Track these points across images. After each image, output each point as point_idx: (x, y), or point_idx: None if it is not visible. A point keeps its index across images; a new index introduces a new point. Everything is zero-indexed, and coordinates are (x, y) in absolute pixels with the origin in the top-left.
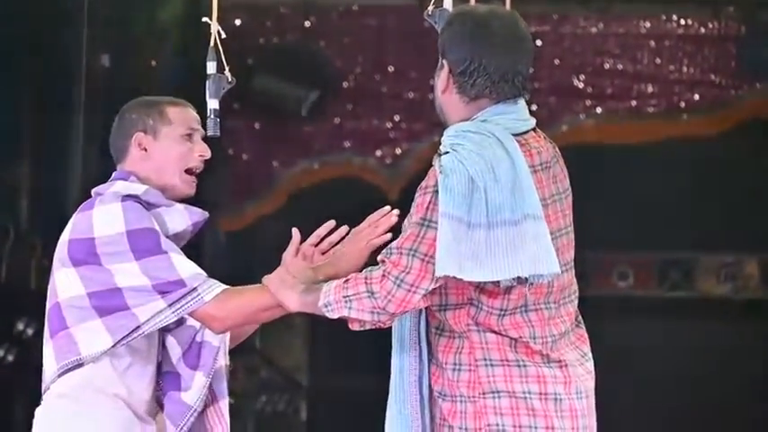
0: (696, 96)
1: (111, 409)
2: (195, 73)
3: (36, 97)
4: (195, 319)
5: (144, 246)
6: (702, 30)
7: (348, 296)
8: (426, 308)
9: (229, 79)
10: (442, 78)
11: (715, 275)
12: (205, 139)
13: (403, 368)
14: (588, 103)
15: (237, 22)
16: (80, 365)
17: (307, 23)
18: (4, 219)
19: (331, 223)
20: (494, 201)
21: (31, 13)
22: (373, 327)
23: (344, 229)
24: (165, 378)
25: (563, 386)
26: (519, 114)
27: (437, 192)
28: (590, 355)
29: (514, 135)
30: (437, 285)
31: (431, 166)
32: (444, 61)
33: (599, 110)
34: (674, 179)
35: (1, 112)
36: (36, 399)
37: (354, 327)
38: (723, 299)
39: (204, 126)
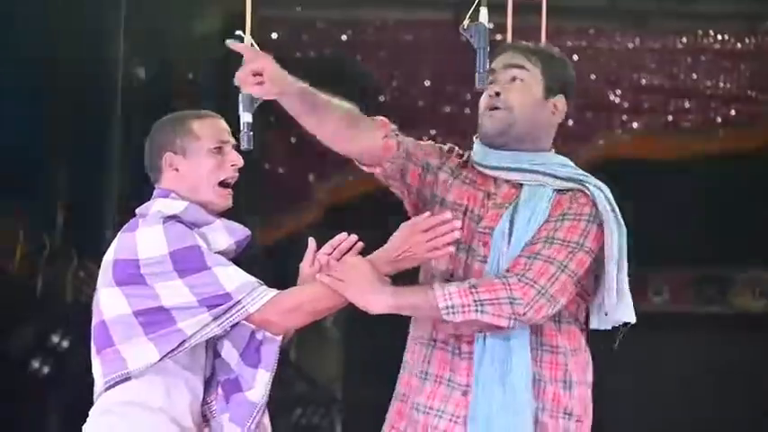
0: (732, 111)
1: (156, 423)
2: (232, 86)
3: (73, 110)
4: (255, 325)
5: (188, 264)
6: (739, 45)
7: (481, 300)
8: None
9: None
10: (558, 107)
11: (750, 291)
12: (237, 148)
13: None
14: (624, 117)
15: (274, 35)
16: (127, 379)
17: (343, 37)
18: (40, 232)
19: (343, 235)
20: (625, 245)
21: (70, 28)
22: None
23: (355, 237)
24: (224, 386)
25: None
26: None
27: (592, 222)
28: None
29: None
30: (564, 303)
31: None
32: (562, 96)
33: (635, 125)
34: (711, 194)
35: (39, 126)
36: (70, 411)
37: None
38: (758, 315)
39: (237, 139)
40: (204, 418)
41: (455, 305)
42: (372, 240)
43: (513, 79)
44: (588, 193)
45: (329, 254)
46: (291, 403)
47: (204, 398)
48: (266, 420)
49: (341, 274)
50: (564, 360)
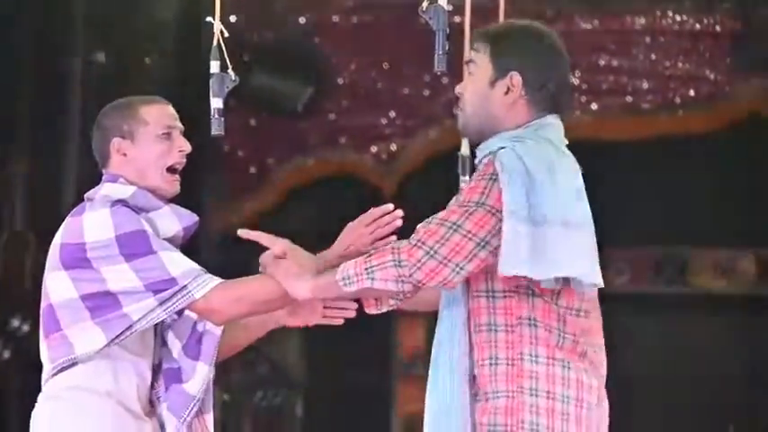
0: (691, 92)
1: (104, 407)
2: (189, 71)
3: (32, 94)
4: (197, 313)
5: (134, 248)
6: (697, 25)
7: (371, 267)
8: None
9: (233, 78)
10: (506, 86)
11: (711, 270)
12: (184, 133)
13: (453, 367)
14: (583, 99)
15: (233, 18)
16: (74, 364)
17: (302, 20)
18: None
19: (388, 206)
20: (554, 201)
21: (28, 11)
22: (391, 307)
23: (397, 211)
24: (165, 374)
25: (596, 397)
26: (561, 129)
27: (495, 180)
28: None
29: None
30: (471, 267)
31: (426, 161)
32: (515, 73)
33: (594, 106)
34: (670, 174)
35: None
36: (31, 396)
37: (371, 309)
38: (719, 294)
39: (201, 124)
40: (151, 404)
41: (350, 275)
42: (332, 223)
43: (469, 75)
44: (496, 155)
45: (368, 224)
46: (253, 385)
47: (152, 383)
48: (208, 417)
49: (279, 262)
50: (494, 337)
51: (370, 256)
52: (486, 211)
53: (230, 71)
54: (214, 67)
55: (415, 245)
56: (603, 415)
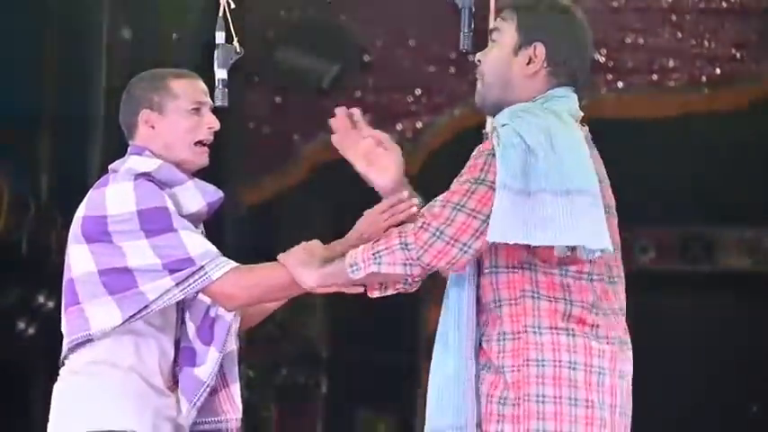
0: (717, 70)
1: (126, 381)
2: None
3: (57, 69)
4: (207, 296)
5: (155, 224)
6: (724, 3)
7: (378, 251)
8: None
9: (238, 50)
10: (529, 56)
11: (736, 249)
12: (214, 110)
13: (460, 344)
14: (609, 77)
15: None
16: (89, 341)
17: None
18: (24, 192)
19: (404, 194)
20: (554, 170)
21: None
22: (396, 291)
23: (412, 199)
24: (182, 353)
25: (608, 362)
26: (575, 101)
27: (493, 155)
28: (630, 345)
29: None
30: (478, 246)
31: (451, 139)
32: (541, 43)
33: (620, 84)
34: (695, 153)
35: (22, 85)
36: (56, 372)
37: (374, 293)
38: (744, 273)
39: (213, 96)
40: (174, 379)
41: (357, 262)
42: (356, 200)
43: (492, 43)
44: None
45: (383, 211)
46: (277, 363)
47: (175, 358)
48: (234, 387)
49: (292, 250)
50: (498, 313)
51: (377, 241)
52: (487, 187)
53: (235, 42)
54: (219, 38)
55: (421, 227)
56: (623, 381)
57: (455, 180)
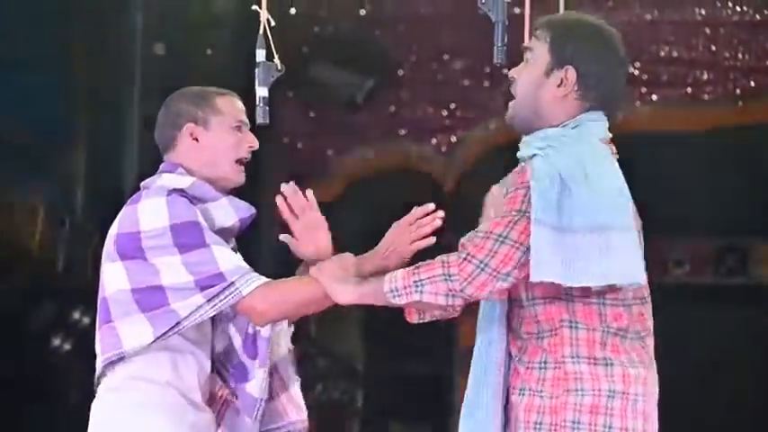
0: (752, 83)
1: (164, 396)
2: (250, 62)
3: (91, 85)
4: (238, 312)
5: (187, 239)
6: (758, 16)
7: (420, 280)
8: (511, 305)
9: (279, 67)
10: (561, 78)
11: None
12: (251, 129)
13: (488, 366)
14: (643, 90)
15: (292, 10)
16: (123, 358)
17: (362, 12)
18: (60, 209)
19: (430, 206)
20: (588, 207)
21: (86, 2)
22: (434, 317)
23: (438, 212)
24: (235, 369)
25: (642, 387)
26: (604, 125)
27: (530, 187)
28: (655, 365)
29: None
30: (520, 276)
31: (486, 153)
32: (572, 67)
33: (654, 97)
34: (729, 166)
35: (56, 101)
36: (91, 386)
37: (412, 318)
38: None
39: (254, 114)
40: (211, 395)
41: (398, 287)
42: (392, 215)
43: (525, 62)
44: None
45: (411, 223)
46: (313, 379)
47: (218, 373)
48: (294, 388)
49: (322, 264)
50: (537, 343)
51: (418, 267)
52: (528, 218)
53: (276, 60)
54: (260, 55)
55: (465, 258)
56: (651, 403)
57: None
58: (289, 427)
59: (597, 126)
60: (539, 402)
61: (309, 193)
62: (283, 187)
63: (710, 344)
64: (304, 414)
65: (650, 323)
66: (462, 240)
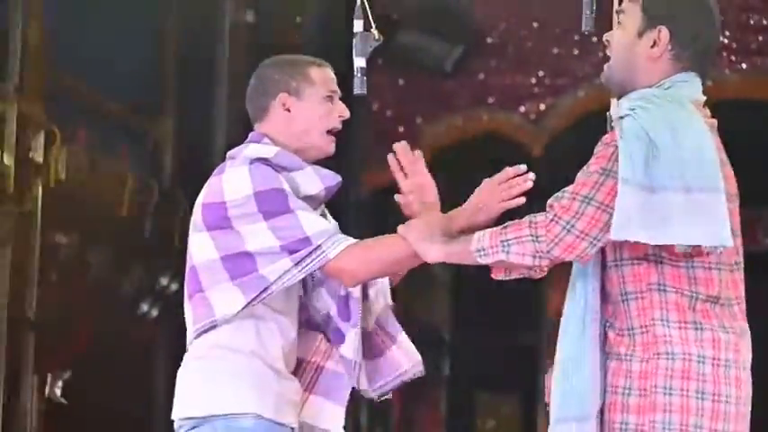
0: None
1: (248, 365)
2: (338, 31)
3: (180, 53)
4: (327, 274)
5: (272, 206)
6: None
7: (507, 240)
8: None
9: (376, 37)
10: (653, 41)
11: None
12: (341, 98)
13: (584, 335)
14: (733, 58)
15: None
16: (214, 327)
17: None
18: (148, 176)
19: (522, 167)
20: (676, 166)
21: None
22: (521, 275)
23: (529, 174)
24: (333, 333)
25: (734, 353)
26: (698, 85)
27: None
28: (749, 332)
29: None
30: (607, 238)
31: (575, 121)
32: (665, 26)
33: (744, 65)
34: None
35: (144, 69)
36: (178, 353)
37: (498, 275)
38: None
39: (350, 84)
40: (299, 361)
41: (485, 247)
42: (477, 180)
43: (618, 25)
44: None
45: (500, 183)
46: None
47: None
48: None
49: (411, 222)
50: (625, 307)
51: (505, 227)
52: (614, 178)
53: (374, 30)
54: (357, 26)
55: (552, 219)
56: (746, 371)
57: (583, 169)
58: (404, 376)
59: (690, 87)
60: (626, 367)
61: (418, 152)
62: (395, 145)
63: None
64: (417, 357)
65: (741, 291)
66: (550, 201)
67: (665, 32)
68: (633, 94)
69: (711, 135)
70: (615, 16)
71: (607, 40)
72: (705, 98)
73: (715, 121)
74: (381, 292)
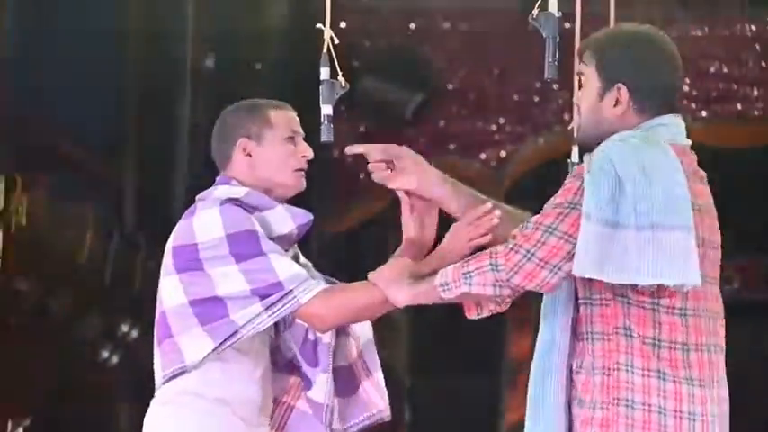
0: None
1: (212, 413)
2: (300, 76)
3: (140, 98)
4: (299, 319)
5: (243, 248)
6: None
7: (469, 271)
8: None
9: (342, 84)
10: (615, 98)
11: None
12: (305, 138)
13: (549, 371)
14: (693, 106)
15: (343, 24)
16: (183, 372)
17: (412, 26)
18: (108, 221)
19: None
20: (642, 204)
21: (133, 15)
22: (491, 312)
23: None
24: (300, 376)
25: (700, 406)
26: (679, 128)
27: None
28: (726, 383)
29: (672, 145)
30: (568, 269)
31: (536, 168)
32: (623, 84)
33: (704, 113)
34: None
35: (105, 113)
36: (139, 400)
37: (471, 314)
38: None
39: (318, 132)
40: (274, 400)
41: (448, 281)
42: (441, 229)
43: (581, 88)
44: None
45: (469, 224)
46: None
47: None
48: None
49: (382, 268)
50: (590, 346)
51: (467, 261)
52: (579, 211)
53: (340, 78)
54: (324, 73)
55: (512, 248)
56: (716, 423)
57: (549, 201)
58: (377, 416)
59: (668, 130)
60: (589, 413)
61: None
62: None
63: (761, 361)
64: (386, 401)
65: (716, 340)
66: (513, 231)
67: (623, 90)
68: (613, 137)
69: (694, 179)
70: (576, 77)
71: (576, 104)
72: (690, 142)
73: (701, 172)
74: (367, 326)
